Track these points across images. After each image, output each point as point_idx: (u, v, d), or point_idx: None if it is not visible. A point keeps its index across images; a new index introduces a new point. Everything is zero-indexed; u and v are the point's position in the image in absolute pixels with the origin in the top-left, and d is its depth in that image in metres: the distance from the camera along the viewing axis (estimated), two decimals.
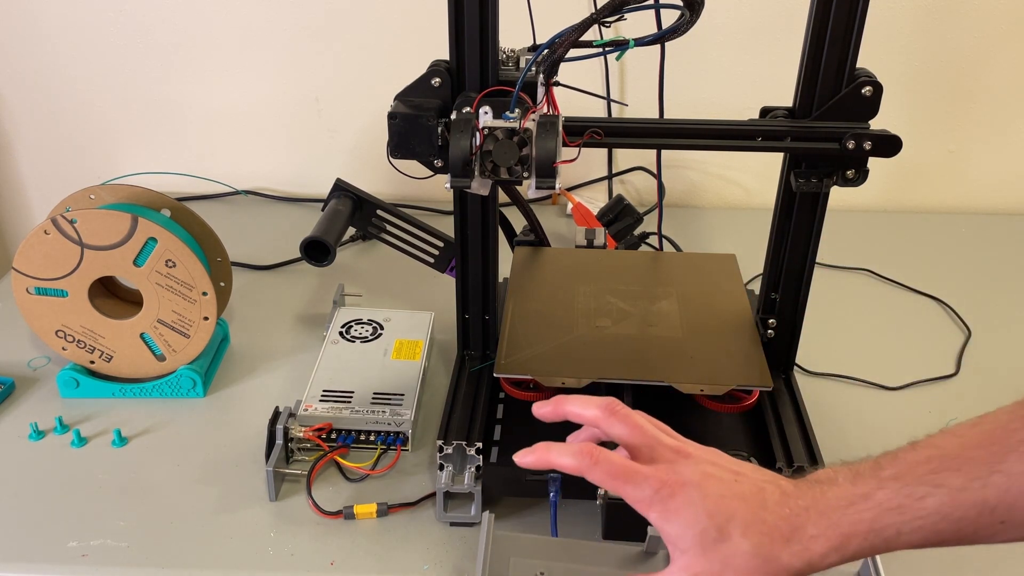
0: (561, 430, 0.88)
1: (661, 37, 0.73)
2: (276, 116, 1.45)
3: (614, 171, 1.47)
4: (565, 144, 0.74)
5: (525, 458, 0.61)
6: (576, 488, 0.80)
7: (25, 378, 1.01)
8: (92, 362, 0.98)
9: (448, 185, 0.73)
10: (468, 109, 0.74)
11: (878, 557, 0.70)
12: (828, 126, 0.79)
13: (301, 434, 0.87)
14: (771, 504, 0.56)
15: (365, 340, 1.02)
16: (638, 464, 0.59)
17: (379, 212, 1.06)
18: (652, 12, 0.76)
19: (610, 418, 0.62)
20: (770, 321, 0.92)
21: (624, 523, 0.75)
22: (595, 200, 1.39)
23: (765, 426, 0.86)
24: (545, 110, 0.74)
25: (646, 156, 1.43)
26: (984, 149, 1.43)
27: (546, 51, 0.72)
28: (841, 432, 0.93)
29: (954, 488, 0.53)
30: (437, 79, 0.79)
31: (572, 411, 0.64)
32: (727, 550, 0.55)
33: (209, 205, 1.44)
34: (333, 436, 0.89)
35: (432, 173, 0.80)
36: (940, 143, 1.43)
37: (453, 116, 0.74)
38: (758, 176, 1.47)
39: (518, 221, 1.14)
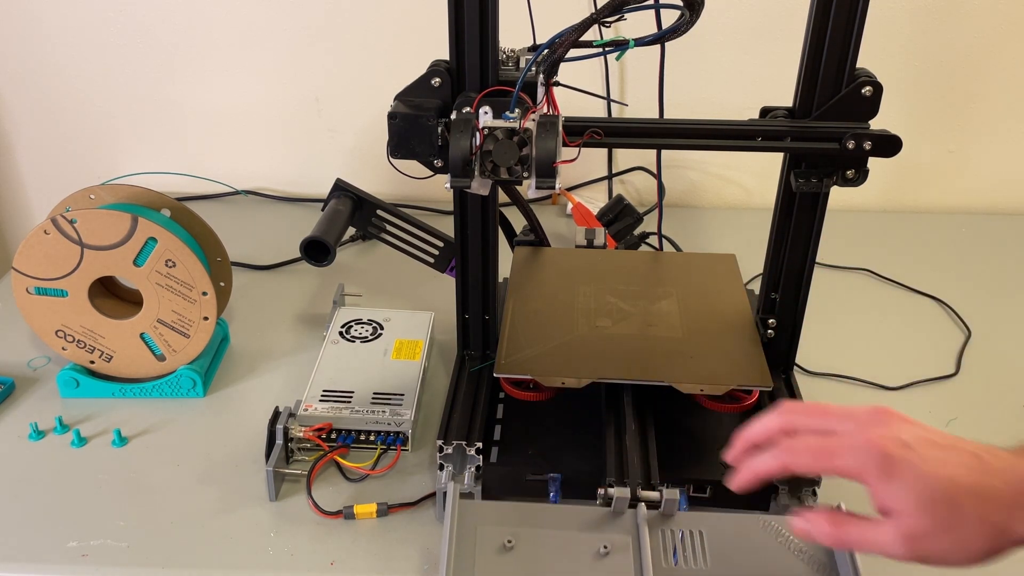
0: (563, 431, 0.88)
1: (661, 37, 0.73)
2: (276, 116, 1.45)
3: (614, 171, 1.47)
4: (565, 144, 0.74)
5: (737, 482, 0.60)
6: (576, 489, 0.80)
7: (25, 378, 1.01)
8: (92, 362, 0.98)
9: (448, 185, 0.73)
10: (468, 109, 0.74)
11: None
12: (828, 126, 0.79)
13: (301, 434, 0.87)
14: (995, 470, 0.54)
15: (365, 340, 1.02)
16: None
17: (379, 212, 1.06)
18: (652, 12, 0.76)
19: (788, 415, 0.60)
20: (770, 321, 0.92)
21: None
22: (595, 200, 1.39)
23: None
24: (545, 110, 0.74)
25: (646, 156, 1.43)
26: (984, 149, 1.43)
27: (546, 51, 0.72)
28: None
29: None
30: (437, 79, 0.79)
31: (751, 433, 0.62)
32: (950, 514, 0.53)
33: (209, 205, 1.44)
34: (333, 436, 0.89)
35: (432, 173, 0.80)
36: (940, 143, 1.43)
37: (453, 116, 0.74)
38: (758, 176, 1.47)
39: (518, 221, 1.14)
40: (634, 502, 0.75)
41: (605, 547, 0.72)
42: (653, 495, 0.75)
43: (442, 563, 0.70)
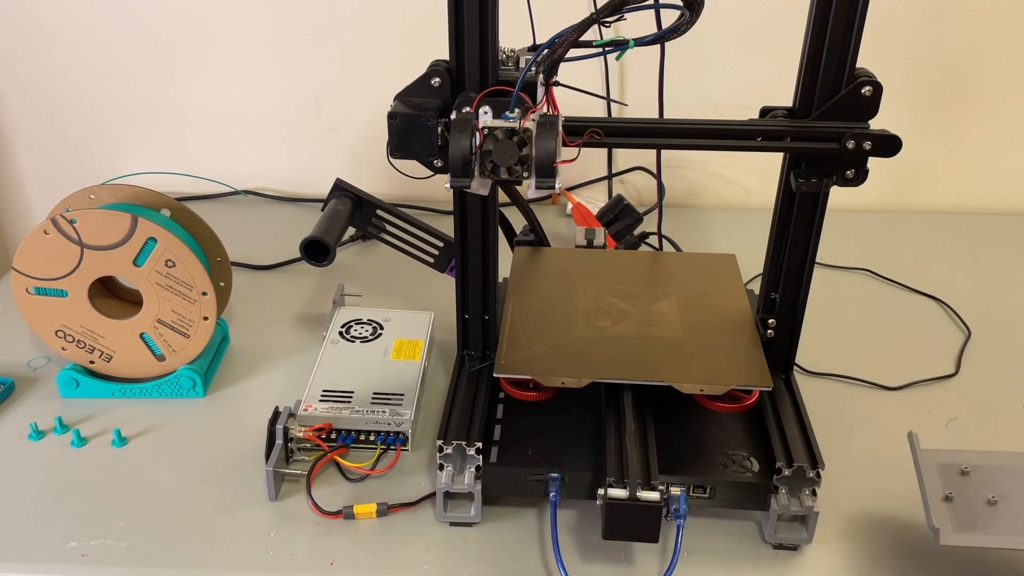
0: (563, 431, 0.88)
1: (661, 37, 0.73)
2: (276, 116, 1.45)
3: (614, 171, 1.47)
4: (565, 144, 0.73)
5: None
6: (576, 488, 0.80)
7: (25, 378, 1.01)
8: (92, 362, 0.98)
9: (448, 185, 0.73)
10: (468, 109, 0.74)
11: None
12: (828, 126, 0.79)
13: (301, 434, 0.87)
14: None
15: (365, 340, 1.02)
16: None
17: (379, 212, 1.06)
18: (652, 12, 0.76)
19: None
20: (770, 321, 0.91)
21: (624, 523, 0.75)
22: (595, 200, 1.39)
23: (765, 426, 0.86)
24: (545, 110, 0.74)
25: (646, 156, 1.43)
26: (984, 149, 1.43)
27: (546, 51, 0.72)
28: (841, 432, 0.93)
29: None
30: (437, 79, 0.79)
31: None
32: None
33: (209, 205, 1.44)
34: (333, 436, 0.89)
35: (432, 173, 0.80)
36: (940, 143, 1.43)
37: (453, 116, 0.74)
38: (758, 176, 1.47)
39: (518, 221, 1.14)
40: None
41: None
42: (653, 495, 0.75)
43: None
